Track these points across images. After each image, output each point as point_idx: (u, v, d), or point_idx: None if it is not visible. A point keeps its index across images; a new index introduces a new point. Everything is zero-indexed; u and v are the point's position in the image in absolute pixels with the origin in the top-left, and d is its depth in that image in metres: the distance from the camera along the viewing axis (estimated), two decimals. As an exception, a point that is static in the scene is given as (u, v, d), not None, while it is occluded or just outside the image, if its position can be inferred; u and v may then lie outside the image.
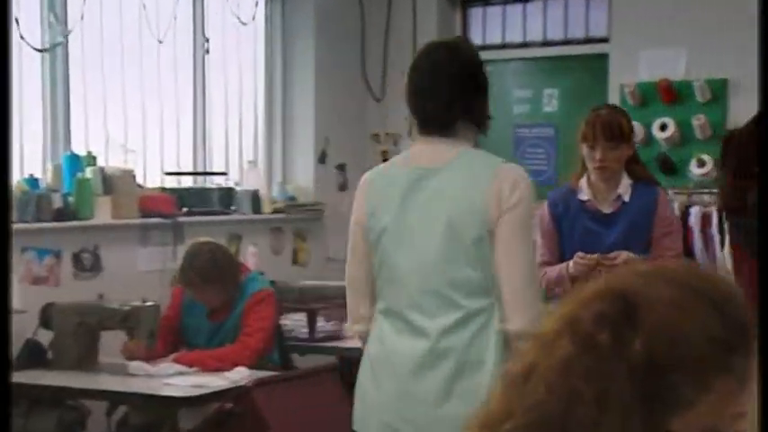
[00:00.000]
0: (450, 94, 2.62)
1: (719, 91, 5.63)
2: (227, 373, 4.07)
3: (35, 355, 4.28)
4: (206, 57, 5.81)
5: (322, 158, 6.38)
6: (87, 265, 4.83)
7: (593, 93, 6.14)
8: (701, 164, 5.58)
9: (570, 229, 3.55)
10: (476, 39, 6.61)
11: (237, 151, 6.08)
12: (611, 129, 3.58)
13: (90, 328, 4.30)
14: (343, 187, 6.55)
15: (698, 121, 5.58)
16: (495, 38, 6.55)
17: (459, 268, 2.55)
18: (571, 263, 3.43)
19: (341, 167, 6.54)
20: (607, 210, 3.61)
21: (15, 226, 4.25)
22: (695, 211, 5.17)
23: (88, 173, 4.82)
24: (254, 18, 6.03)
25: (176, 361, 4.26)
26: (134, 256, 5.10)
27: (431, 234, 2.57)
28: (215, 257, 4.37)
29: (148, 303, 4.22)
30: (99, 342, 4.38)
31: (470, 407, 2.37)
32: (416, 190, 2.62)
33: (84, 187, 4.76)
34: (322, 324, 5.14)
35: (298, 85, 6.31)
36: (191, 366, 4.23)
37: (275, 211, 5.95)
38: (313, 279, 5.99)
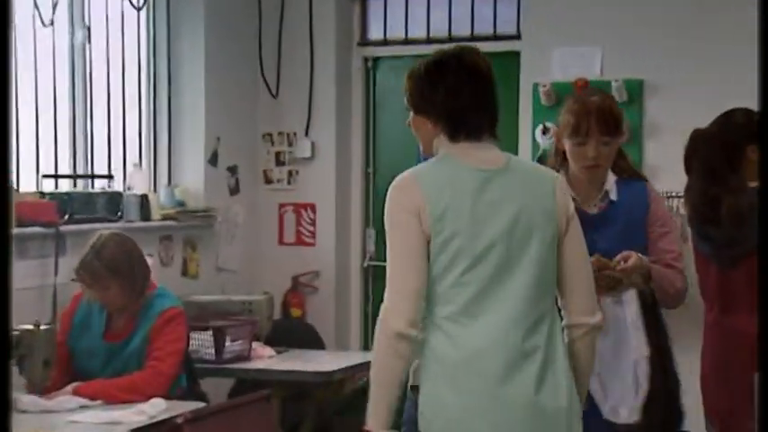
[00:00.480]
0: (494, 101, 2.78)
1: (635, 92, 5.41)
2: (141, 406, 3.57)
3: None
4: (87, 46, 5.22)
5: (213, 160, 5.87)
6: (-46, 282, 4.21)
7: (502, 92, 5.82)
8: (620, 168, 5.34)
9: None
10: (376, 34, 6.24)
11: (121, 151, 5.51)
12: (607, 120, 3.11)
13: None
14: (234, 191, 6.07)
15: (616, 122, 5.34)
16: (397, 33, 6.18)
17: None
18: None
19: (232, 170, 6.05)
20: (593, 211, 3.15)
21: None
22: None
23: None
24: (140, 4, 5.48)
25: (76, 392, 3.73)
26: (11, 271, 4.50)
27: (507, 235, 2.61)
28: (125, 249, 3.96)
29: (42, 326, 3.66)
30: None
31: (555, 405, 2.56)
32: (485, 191, 2.62)
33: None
34: (228, 344, 4.67)
35: (186, 78, 5.78)
36: (93, 399, 3.71)
37: (164, 218, 5.42)
38: (205, 292, 5.51)
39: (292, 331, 5.63)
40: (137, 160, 5.58)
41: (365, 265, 6.28)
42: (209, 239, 5.84)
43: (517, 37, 5.84)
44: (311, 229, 6.20)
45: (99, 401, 3.71)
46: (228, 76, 5.96)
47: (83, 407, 3.67)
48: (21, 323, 3.69)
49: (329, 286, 6.17)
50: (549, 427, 2.57)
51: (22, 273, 4.53)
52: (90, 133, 5.26)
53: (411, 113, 2.76)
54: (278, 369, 4.64)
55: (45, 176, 4.90)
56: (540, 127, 5.54)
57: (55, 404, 3.63)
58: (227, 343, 4.66)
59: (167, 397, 3.74)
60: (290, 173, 6.23)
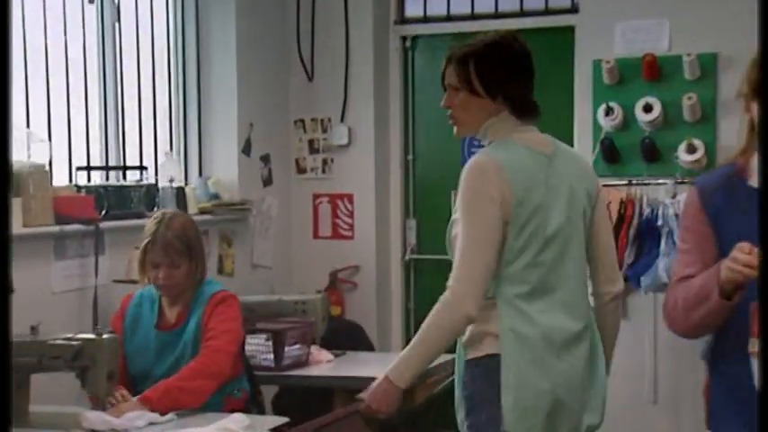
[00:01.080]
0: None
1: (709, 67, 5.03)
2: (222, 423, 3.15)
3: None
4: (116, 26, 4.77)
5: (246, 148, 5.43)
6: (-7, 286, 3.76)
7: (555, 70, 5.45)
8: (692, 150, 4.96)
9: (735, 229, 2.37)
10: (415, 10, 5.82)
11: (152, 140, 5.06)
12: None
13: (22, 370, 3.28)
14: (267, 182, 5.63)
15: (689, 100, 4.96)
16: (437, 10, 5.76)
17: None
18: (724, 265, 2.29)
19: (265, 159, 5.61)
20: None
21: None
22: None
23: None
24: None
25: (144, 400, 3.33)
26: (48, 273, 4.05)
27: (566, 218, 2.79)
28: (194, 228, 3.75)
29: (106, 335, 3.23)
30: (29, 389, 3.36)
31: (600, 374, 2.91)
32: (550, 175, 2.78)
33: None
34: (287, 348, 4.25)
35: (216, 60, 5.33)
36: (162, 404, 3.32)
37: (201, 212, 4.98)
38: (241, 291, 5.06)
39: (338, 332, 5.19)
40: (167, 149, 5.13)
41: (406, 258, 5.87)
42: (244, 234, 5.41)
43: (572, 10, 5.44)
44: (349, 221, 5.79)
45: (170, 417, 3.30)
46: (261, 59, 5.52)
47: (152, 423, 3.25)
48: (64, 331, 3.34)
49: (369, 282, 5.76)
50: (597, 395, 2.88)
51: (63, 274, 4.11)
52: (121, 122, 4.80)
53: (458, 93, 2.84)
54: (343, 375, 4.21)
55: (79, 168, 4.44)
56: (603, 107, 5.14)
57: (125, 422, 3.20)
58: (286, 348, 4.25)
59: (228, 389, 3.58)
60: (324, 161, 5.81)
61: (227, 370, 3.52)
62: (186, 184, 5.07)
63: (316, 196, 5.85)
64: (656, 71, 5.04)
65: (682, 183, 4.74)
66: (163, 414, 3.30)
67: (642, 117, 5.05)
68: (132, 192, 4.55)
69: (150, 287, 3.75)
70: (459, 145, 5.65)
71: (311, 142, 5.83)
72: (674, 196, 4.63)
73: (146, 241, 3.62)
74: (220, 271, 5.21)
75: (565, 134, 5.40)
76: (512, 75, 2.84)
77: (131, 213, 4.48)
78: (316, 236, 5.85)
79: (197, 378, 3.41)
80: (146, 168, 4.81)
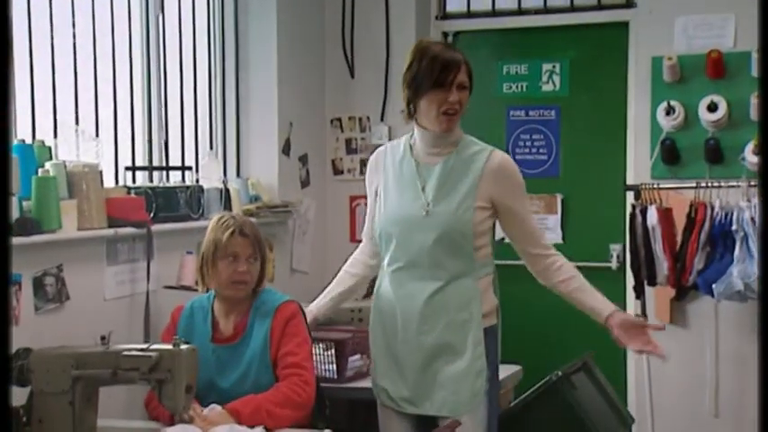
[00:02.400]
0: None
1: (776, 65, 4.81)
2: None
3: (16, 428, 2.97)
4: (160, 18, 4.48)
5: (286, 148, 5.16)
6: (50, 293, 3.48)
7: (609, 66, 5.24)
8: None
9: None
10: (457, 5, 5.58)
11: (193, 140, 4.78)
12: None
13: (95, 383, 3.01)
14: (305, 183, 5.37)
15: (758, 99, 4.75)
16: (482, 4, 5.52)
17: None
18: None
19: (303, 159, 5.35)
20: None
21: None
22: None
23: (49, 169, 3.46)
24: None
25: (233, 411, 3.13)
26: (100, 279, 3.77)
27: None
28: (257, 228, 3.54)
29: (183, 346, 2.96)
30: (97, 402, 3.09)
31: None
32: None
33: (49, 189, 3.41)
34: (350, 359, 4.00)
35: (256, 55, 5.06)
36: (250, 424, 3.10)
37: (245, 214, 4.70)
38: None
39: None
40: (207, 149, 4.86)
41: (446, 263, 5.62)
42: (283, 237, 5.15)
43: (627, 5, 5.22)
44: (388, 224, 5.52)
45: (258, 431, 3.05)
46: (301, 55, 5.26)
47: (241, 438, 3.01)
48: (115, 340, 3.06)
49: (410, 288, 5.49)
50: None
51: (115, 280, 3.83)
52: (165, 121, 4.52)
53: (466, 92, 3.28)
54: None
55: (128, 168, 4.16)
56: (664, 106, 4.92)
57: (209, 436, 2.95)
58: (349, 358, 3.99)
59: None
60: (362, 162, 5.55)
61: (312, 403, 3.31)
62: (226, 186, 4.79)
63: (353, 198, 5.59)
64: (721, 68, 4.83)
65: (754, 186, 4.51)
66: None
67: (706, 116, 4.84)
68: (179, 193, 4.27)
69: (201, 297, 3.50)
70: (502, 141, 5.42)
71: (348, 142, 5.57)
72: (748, 200, 4.40)
73: (229, 231, 3.37)
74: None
75: (618, 134, 5.21)
76: None
77: (179, 216, 4.22)
78: (353, 240, 5.59)
79: (287, 406, 3.22)
80: (190, 168, 4.54)
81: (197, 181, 4.59)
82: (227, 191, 4.56)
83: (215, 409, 3.15)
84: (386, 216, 3.36)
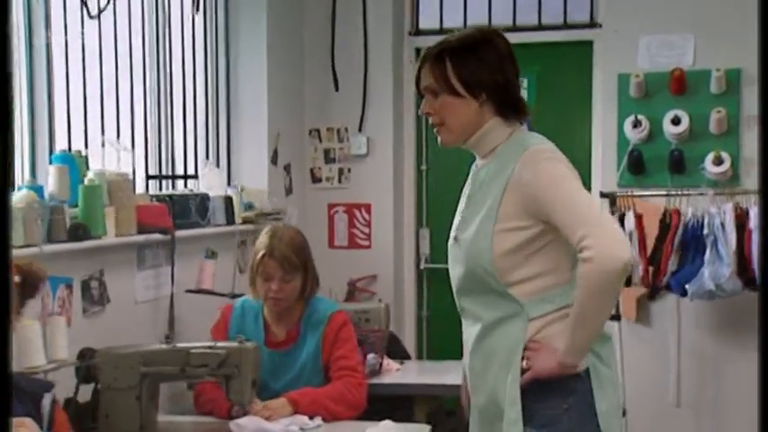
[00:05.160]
0: None
1: (733, 82, 5.24)
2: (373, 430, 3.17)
3: (80, 423, 3.14)
4: (166, 43, 4.66)
5: (274, 158, 5.38)
6: (95, 296, 3.65)
7: (575, 83, 5.60)
8: (719, 161, 5.17)
9: None
10: (432, 23, 5.87)
11: (192, 149, 4.97)
12: None
13: (163, 379, 3.20)
14: (289, 191, 5.59)
15: (718, 114, 5.17)
16: (454, 22, 5.83)
17: None
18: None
19: (287, 168, 5.57)
20: None
21: (20, 252, 3.09)
22: (754, 213, 4.71)
23: (94, 178, 3.63)
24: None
25: (291, 401, 3.38)
26: (132, 282, 3.94)
27: None
28: (306, 243, 3.69)
29: (249, 344, 3.18)
30: (158, 399, 3.29)
31: None
32: None
33: (95, 196, 3.58)
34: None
35: (245, 66, 5.27)
36: (311, 410, 3.37)
37: (244, 221, 4.92)
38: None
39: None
40: (203, 159, 5.04)
41: (421, 267, 5.91)
42: (270, 245, 5.35)
43: (591, 25, 5.59)
44: (366, 230, 5.79)
45: (317, 423, 3.31)
46: (288, 69, 5.50)
47: (302, 429, 3.25)
48: (143, 340, 3.31)
49: (387, 291, 5.76)
50: None
51: (144, 284, 4.01)
52: (171, 132, 4.70)
53: (437, 97, 2.56)
54: (428, 383, 4.23)
55: (151, 177, 4.34)
56: (631, 119, 5.30)
57: (282, 427, 3.19)
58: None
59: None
60: (340, 171, 5.80)
61: (365, 405, 3.54)
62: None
63: (331, 206, 5.83)
64: (683, 85, 5.23)
65: (718, 194, 4.92)
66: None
67: (670, 129, 5.23)
68: (190, 201, 4.47)
69: (249, 299, 3.71)
70: (470, 155, 5.72)
71: (327, 152, 5.81)
72: (718, 207, 4.80)
73: (260, 254, 3.58)
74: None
75: (583, 145, 5.57)
76: (494, 70, 2.53)
77: (190, 223, 4.41)
78: (331, 246, 5.83)
79: (341, 404, 3.46)
80: (195, 177, 4.73)
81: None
82: (230, 199, 4.77)
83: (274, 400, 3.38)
84: None
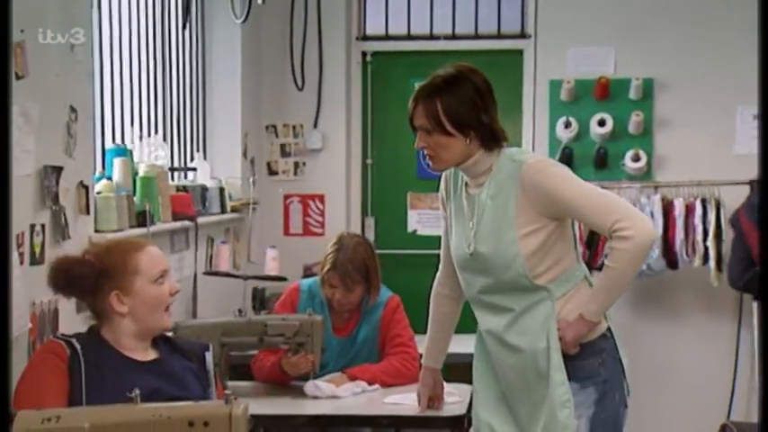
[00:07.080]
0: None
1: (647, 89, 6.05)
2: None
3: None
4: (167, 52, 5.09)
5: (245, 153, 5.86)
6: (160, 280, 4.09)
7: (507, 88, 6.29)
8: (636, 158, 5.97)
9: None
10: (376, 28, 6.45)
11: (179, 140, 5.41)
12: None
13: (236, 348, 3.70)
14: (254, 183, 6.07)
15: (637, 117, 5.97)
16: (398, 29, 6.43)
17: None
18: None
19: (252, 162, 6.06)
20: None
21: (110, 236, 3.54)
22: (679, 203, 5.54)
23: (149, 170, 4.07)
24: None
25: (351, 376, 3.83)
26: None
27: None
28: (373, 254, 4.03)
29: (316, 317, 3.71)
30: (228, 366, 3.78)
31: None
32: None
33: (152, 186, 4.03)
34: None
35: (220, 67, 5.74)
36: (370, 384, 3.82)
37: (233, 210, 5.39)
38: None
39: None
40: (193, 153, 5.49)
41: (366, 253, 6.48)
42: (243, 233, 5.84)
43: (522, 36, 6.30)
44: (320, 219, 6.33)
45: (376, 386, 3.83)
46: (258, 70, 5.99)
47: (363, 391, 3.78)
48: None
49: (339, 275, 6.30)
50: None
51: (174, 267, 4.44)
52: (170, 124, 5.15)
53: (431, 135, 2.98)
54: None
55: (172, 169, 4.77)
56: (563, 120, 6.03)
57: (343, 390, 3.71)
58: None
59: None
60: (296, 164, 6.32)
61: (418, 377, 3.79)
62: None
63: (287, 197, 6.34)
64: (606, 91, 6.02)
65: (646, 187, 5.74)
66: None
67: (596, 130, 6.00)
68: (195, 191, 4.92)
69: (312, 281, 4.11)
70: (410, 151, 6.35)
71: (283, 147, 6.32)
72: (648, 197, 5.60)
73: (326, 268, 3.94)
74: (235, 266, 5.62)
75: (514, 143, 6.28)
76: (479, 110, 2.99)
77: (198, 211, 4.87)
78: (286, 233, 6.34)
79: (398, 378, 3.88)
80: (196, 169, 5.19)
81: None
82: (223, 190, 5.24)
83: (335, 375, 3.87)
84: (452, 250, 3.18)
